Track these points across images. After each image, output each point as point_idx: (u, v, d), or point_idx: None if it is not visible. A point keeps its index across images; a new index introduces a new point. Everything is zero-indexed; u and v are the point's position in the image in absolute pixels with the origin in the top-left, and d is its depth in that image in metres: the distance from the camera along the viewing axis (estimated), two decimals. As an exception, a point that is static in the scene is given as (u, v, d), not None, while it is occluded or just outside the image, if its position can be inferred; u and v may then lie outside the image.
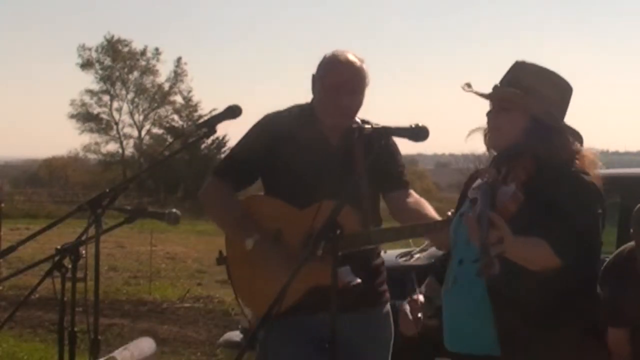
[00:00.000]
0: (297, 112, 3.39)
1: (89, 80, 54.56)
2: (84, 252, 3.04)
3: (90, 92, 46.55)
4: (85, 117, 46.54)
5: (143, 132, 46.92)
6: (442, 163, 75.63)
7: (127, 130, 47.02)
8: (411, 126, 2.91)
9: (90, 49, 46.34)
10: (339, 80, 3.27)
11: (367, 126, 3.10)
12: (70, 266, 3.03)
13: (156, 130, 46.47)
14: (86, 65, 46.38)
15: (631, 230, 3.35)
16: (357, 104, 3.31)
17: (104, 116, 46.95)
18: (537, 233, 2.51)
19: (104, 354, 3.40)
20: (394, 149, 3.41)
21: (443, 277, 2.91)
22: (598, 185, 2.70)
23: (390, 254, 5.64)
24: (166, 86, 46.83)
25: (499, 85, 2.79)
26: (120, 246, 17.32)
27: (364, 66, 3.33)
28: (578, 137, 2.77)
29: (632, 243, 3.39)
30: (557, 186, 2.61)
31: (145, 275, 13.26)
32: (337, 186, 2.73)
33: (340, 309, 2.56)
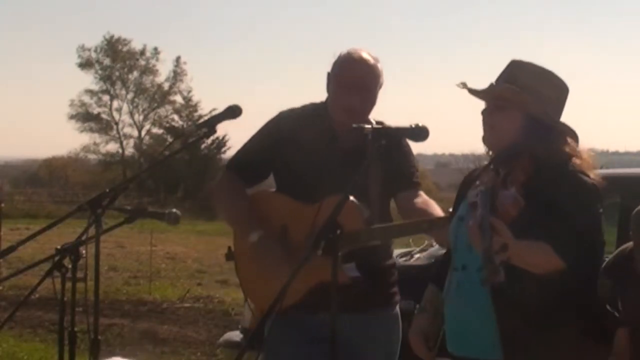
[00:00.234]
0: (310, 110, 3.41)
1: (89, 81, 54.56)
2: (84, 252, 3.05)
3: (90, 92, 46.59)
4: (85, 117, 46.50)
5: (143, 132, 46.92)
6: (442, 163, 75.67)
7: (127, 130, 47.03)
8: (411, 126, 2.91)
9: (89, 49, 46.37)
10: (350, 78, 3.27)
11: (366, 126, 3.10)
12: (70, 266, 3.03)
13: (156, 130, 46.48)
14: (85, 65, 46.39)
15: (630, 233, 3.34)
16: (367, 103, 3.30)
17: (104, 116, 46.96)
18: (538, 234, 2.49)
19: (104, 354, 3.39)
20: (408, 150, 3.42)
21: (441, 282, 2.90)
22: (597, 185, 2.69)
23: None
24: (166, 86, 46.82)
25: (494, 84, 2.78)
26: (120, 246, 17.31)
27: (379, 65, 3.33)
28: (575, 137, 2.75)
29: (632, 243, 3.39)
30: (557, 186, 2.60)
31: (145, 275, 13.26)
32: (342, 184, 2.73)
33: (344, 308, 2.57)
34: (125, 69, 46.91)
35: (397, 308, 3.45)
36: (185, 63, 47.10)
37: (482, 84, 2.80)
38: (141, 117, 46.95)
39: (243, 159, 3.45)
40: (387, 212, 3.39)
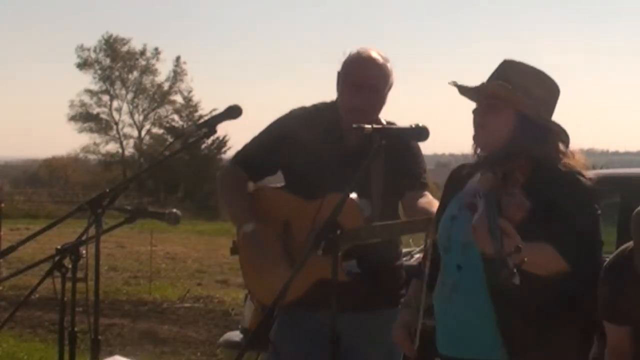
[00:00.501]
0: (321, 109, 3.43)
1: (89, 81, 54.54)
2: (84, 252, 3.05)
3: (90, 92, 46.60)
4: (85, 117, 46.53)
5: (143, 132, 46.96)
6: (442, 163, 75.55)
7: (127, 130, 47.08)
8: (411, 126, 2.90)
9: (88, 49, 46.38)
10: (358, 78, 3.28)
11: (366, 126, 3.11)
12: (70, 266, 3.03)
13: (156, 130, 46.52)
14: (84, 65, 46.39)
15: (632, 235, 3.34)
16: (375, 103, 3.31)
17: (104, 116, 47.01)
18: (539, 235, 2.48)
19: (104, 354, 3.40)
20: (416, 151, 3.43)
21: (426, 279, 2.87)
22: (593, 185, 2.68)
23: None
24: (166, 86, 46.87)
25: (486, 83, 2.75)
26: (120, 246, 17.31)
27: (388, 65, 3.33)
28: (567, 137, 2.73)
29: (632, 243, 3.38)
30: (554, 187, 2.59)
31: (145, 275, 13.26)
32: (345, 182, 2.73)
33: (345, 307, 2.56)
34: (125, 69, 46.92)
35: None
36: (185, 63, 47.25)
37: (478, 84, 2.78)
38: (141, 117, 47.04)
39: (249, 154, 3.48)
40: (394, 211, 3.39)
